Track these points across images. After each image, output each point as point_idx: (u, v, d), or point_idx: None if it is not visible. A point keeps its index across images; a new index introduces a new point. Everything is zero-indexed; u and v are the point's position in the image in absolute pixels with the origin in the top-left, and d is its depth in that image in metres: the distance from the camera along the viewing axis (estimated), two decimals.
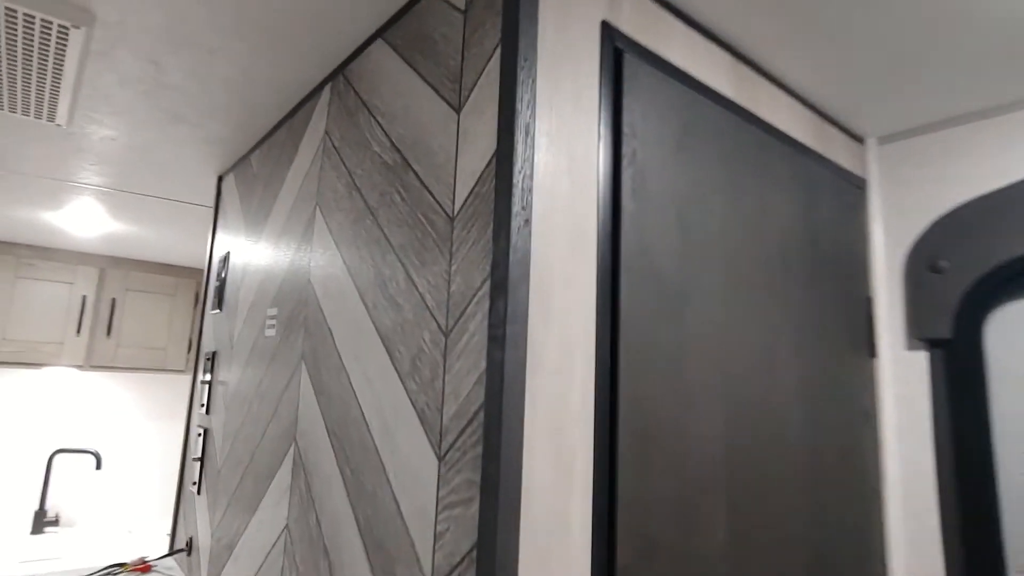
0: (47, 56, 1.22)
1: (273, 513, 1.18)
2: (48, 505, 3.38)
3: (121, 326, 3.41)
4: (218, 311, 1.75)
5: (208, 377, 1.71)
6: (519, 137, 0.71)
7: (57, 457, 3.40)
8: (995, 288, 1.28)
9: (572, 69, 0.80)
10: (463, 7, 0.86)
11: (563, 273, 0.75)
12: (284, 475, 1.16)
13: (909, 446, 1.30)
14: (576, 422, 0.74)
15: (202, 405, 1.72)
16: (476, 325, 0.72)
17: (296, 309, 1.23)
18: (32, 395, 3.39)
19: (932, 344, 1.31)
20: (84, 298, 3.31)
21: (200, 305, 2.27)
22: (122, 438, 3.61)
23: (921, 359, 1.31)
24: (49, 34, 1.14)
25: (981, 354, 1.27)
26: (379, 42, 1.08)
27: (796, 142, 1.23)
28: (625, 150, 0.85)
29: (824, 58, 1.15)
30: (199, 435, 1.70)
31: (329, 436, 1.02)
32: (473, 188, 0.77)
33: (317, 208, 1.21)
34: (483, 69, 0.79)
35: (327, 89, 1.27)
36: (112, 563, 1.98)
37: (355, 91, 1.14)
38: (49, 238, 3.04)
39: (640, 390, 0.81)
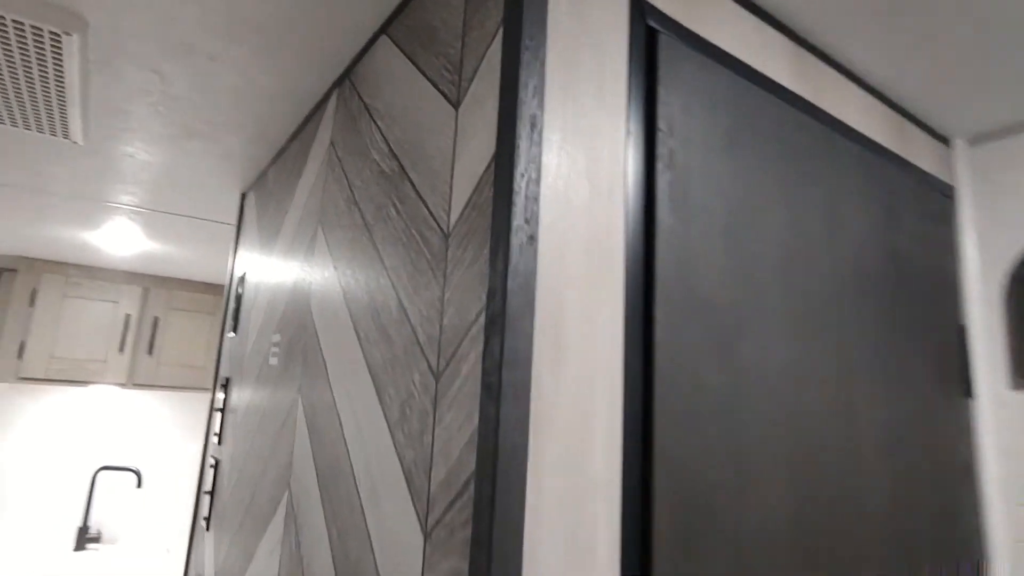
0: (46, 67, 1.16)
1: (266, 564, 1.05)
2: (91, 522, 3.40)
3: (162, 344, 3.42)
4: (233, 334, 1.66)
5: (221, 405, 1.62)
6: (522, 131, 0.57)
7: (100, 474, 3.42)
8: None
9: (593, 52, 0.65)
10: None
11: (579, 303, 0.59)
12: (277, 524, 1.03)
13: (1018, 509, 1.07)
14: (597, 496, 0.58)
15: (215, 434, 1.63)
16: (469, 368, 0.58)
17: (296, 335, 1.11)
18: (77, 412, 3.43)
19: None
20: (128, 316, 3.34)
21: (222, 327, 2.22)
22: (161, 456, 3.61)
23: None
24: (42, 43, 1.07)
25: None
26: (383, 39, 0.96)
27: (870, 142, 1.04)
28: (660, 150, 0.69)
29: (903, 43, 0.96)
30: (211, 466, 1.60)
31: (320, 487, 0.88)
32: (470, 198, 0.63)
33: (319, 225, 1.09)
34: (484, 54, 0.65)
35: (334, 96, 1.16)
36: None
37: (359, 95, 1.02)
38: (94, 257, 3.07)
39: (682, 451, 0.64)
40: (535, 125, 0.58)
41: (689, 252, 0.69)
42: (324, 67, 1.14)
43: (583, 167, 0.62)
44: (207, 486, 1.60)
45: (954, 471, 1.04)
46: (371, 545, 0.70)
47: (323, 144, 1.17)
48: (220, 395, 1.66)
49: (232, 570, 1.26)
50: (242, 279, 1.68)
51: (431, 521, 0.59)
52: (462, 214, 0.64)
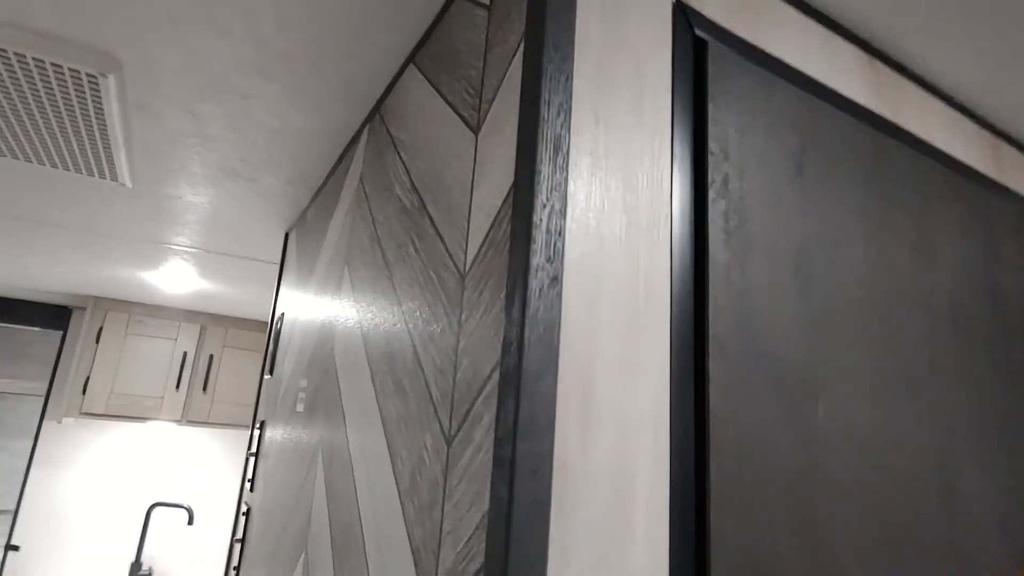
0: (87, 110, 1.17)
1: None
2: (143, 557, 3.42)
3: (215, 382, 3.47)
4: (270, 376, 1.62)
5: (255, 449, 1.57)
6: (543, 155, 0.48)
7: (155, 510, 3.46)
8: None
9: (631, 65, 0.57)
10: (488, 1, 0.66)
11: (613, 358, 0.49)
12: None
13: None
14: None
15: (248, 480, 1.58)
16: (483, 434, 0.48)
17: (322, 382, 1.05)
18: (134, 448, 3.50)
19: None
20: (185, 354, 3.41)
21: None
22: (212, 493, 3.63)
23: None
24: (81, 85, 1.08)
25: None
26: (410, 68, 0.91)
27: (961, 165, 0.90)
28: (713, 176, 0.59)
29: (996, 54, 0.84)
30: (243, 514, 1.55)
31: (333, 555, 0.80)
32: (487, 234, 0.54)
33: (345, 265, 1.04)
34: (505, 72, 0.58)
35: (366, 131, 1.12)
36: None
37: (387, 128, 0.97)
38: (154, 296, 3.16)
39: (745, 541, 0.52)
40: (560, 148, 0.49)
41: (749, 295, 0.58)
42: (354, 102, 1.10)
43: (618, 196, 0.52)
44: (239, 534, 1.54)
45: None
46: None
47: (354, 180, 1.12)
48: (255, 438, 1.61)
49: None
50: (281, 318, 1.65)
51: None
52: (479, 253, 0.55)
